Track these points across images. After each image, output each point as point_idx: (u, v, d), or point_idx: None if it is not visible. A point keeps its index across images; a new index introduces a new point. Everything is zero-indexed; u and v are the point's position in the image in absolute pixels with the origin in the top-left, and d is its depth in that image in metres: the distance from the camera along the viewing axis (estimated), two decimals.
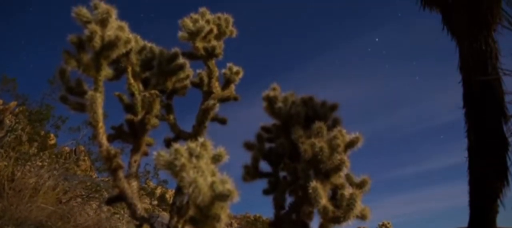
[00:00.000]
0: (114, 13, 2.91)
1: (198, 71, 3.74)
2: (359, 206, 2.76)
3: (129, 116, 3.39)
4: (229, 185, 1.65)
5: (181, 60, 3.51)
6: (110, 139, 3.29)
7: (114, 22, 2.95)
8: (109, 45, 2.95)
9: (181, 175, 1.67)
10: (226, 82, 3.74)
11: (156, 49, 3.50)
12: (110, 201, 3.36)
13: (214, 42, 3.60)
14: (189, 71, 3.65)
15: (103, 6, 2.89)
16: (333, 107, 3.53)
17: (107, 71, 3.12)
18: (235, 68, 3.73)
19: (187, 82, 3.71)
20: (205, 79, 3.68)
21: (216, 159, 1.84)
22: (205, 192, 1.64)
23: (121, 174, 3.07)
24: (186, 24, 3.49)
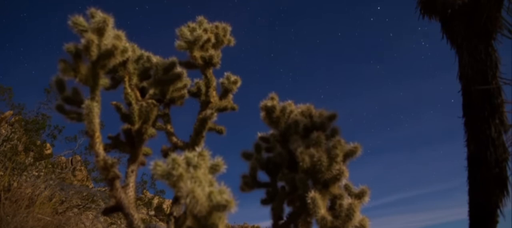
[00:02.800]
0: (111, 22, 2.90)
1: (195, 80, 3.73)
2: (357, 216, 2.75)
3: (126, 126, 3.37)
4: (227, 195, 1.63)
5: (178, 69, 3.50)
6: (107, 149, 3.27)
7: (111, 31, 2.93)
8: (106, 54, 2.94)
9: (178, 185, 1.65)
10: (224, 92, 3.72)
11: (154, 58, 3.48)
12: (107, 212, 3.33)
13: (211, 51, 3.58)
14: (187, 81, 3.64)
15: (100, 14, 2.88)
16: (332, 117, 3.52)
17: (104, 80, 3.10)
18: (233, 78, 3.71)
19: (185, 91, 3.70)
20: (203, 89, 3.67)
21: (214, 169, 1.82)
22: (202, 202, 1.62)
23: (118, 184, 3.05)
24: (183, 33, 3.48)
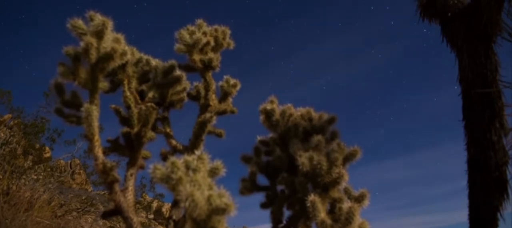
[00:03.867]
0: (110, 25, 2.89)
1: (195, 83, 3.73)
2: (357, 220, 2.73)
3: (125, 129, 3.36)
4: (226, 199, 1.62)
5: (177, 72, 3.49)
6: (106, 152, 3.26)
7: (110, 34, 2.92)
8: (105, 58, 2.93)
9: (177, 189, 1.64)
10: (223, 95, 3.72)
11: (153, 61, 3.48)
12: (106, 215, 3.31)
13: (211, 55, 3.58)
14: (186, 84, 3.63)
15: (99, 17, 2.87)
16: (331, 120, 3.51)
17: (103, 83, 3.09)
18: (232, 81, 3.71)
19: (184, 94, 3.69)
20: (202, 92, 3.66)
21: (213, 172, 1.81)
22: (202, 205, 1.61)
23: (117, 187, 3.03)
24: (182, 36, 3.47)
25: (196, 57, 3.53)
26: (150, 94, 3.49)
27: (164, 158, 3.59)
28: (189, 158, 1.74)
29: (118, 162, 3.24)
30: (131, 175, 3.31)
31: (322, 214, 2.74)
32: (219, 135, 3.73)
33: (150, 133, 3.40)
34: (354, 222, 2.72)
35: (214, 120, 3.52)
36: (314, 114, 3.55)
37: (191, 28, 3.55)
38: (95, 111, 2.89)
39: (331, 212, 2.89)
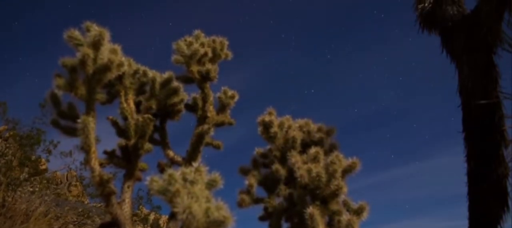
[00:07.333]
0: (107, 35, 2.87)
1: (192, 94, 3.71)
2: None
3: (122, 141, 3.34)
4: (224, 211, 1.60)
5: (175, 83, 3.47)
6: (103, 164, 3.23)
7: (107, 45, 2.91)
8: (102, 69, 2.91)
9: (175, 201, 1.61)
10: (221, 107, 3.70)
11: (150, 72, 3.46)
12: None
13: (208, 66, 3.56)
14: (183, 95, 3.61)
15: (96, 28, 2.85)
16: (330, 132, 3.50)
17: (99, 95, 3.08)
18: (230, 92, 3.69)
19: (181, 106, 3.67)
20: (200, 103, 3.64)
21: (211, 184, 1.79)
22: (199, 218, 1.59)
23: (113, 199, 3.01)
24: (180, 47, 3.46)
25: (194, 68, 3.52)
26: (147, 106, 3.47)
27: (162, 170, 3.57)
28: (187, 170, 1.72)
29: (114, 174, 3.22)
30: (128, 187, 3.29)
31: (321, 226, 2.71)
32: (217, 147, 3.71)
33: (147, 145, 3.38)
34: None
35: (212, 132, 3.50)
36: (313, 126, 3.53)
37: (189, 39, 3.54)
38: (91, 123, 2.87)
39: (330, 224, 2.87)
